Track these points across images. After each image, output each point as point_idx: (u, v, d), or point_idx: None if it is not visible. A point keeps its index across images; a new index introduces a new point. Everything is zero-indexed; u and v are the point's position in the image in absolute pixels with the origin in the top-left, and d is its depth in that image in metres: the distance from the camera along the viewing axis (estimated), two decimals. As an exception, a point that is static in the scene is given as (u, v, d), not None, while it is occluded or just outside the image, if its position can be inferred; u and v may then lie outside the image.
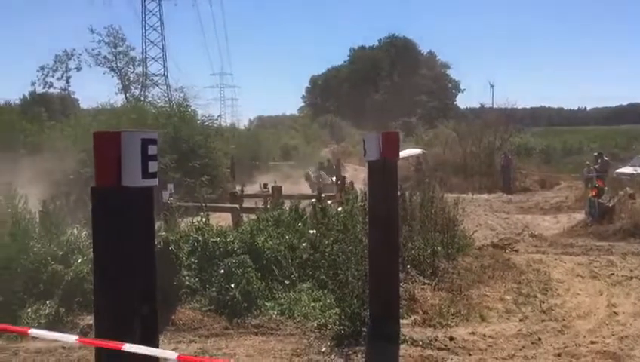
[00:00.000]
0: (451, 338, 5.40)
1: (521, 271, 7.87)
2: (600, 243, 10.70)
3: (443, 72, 74.75)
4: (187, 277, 6.38)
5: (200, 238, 6.88)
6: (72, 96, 42.94)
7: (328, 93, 73.93)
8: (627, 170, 22.03)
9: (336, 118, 60.76)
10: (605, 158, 22.37)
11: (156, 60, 51.57)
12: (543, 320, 6.02)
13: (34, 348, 5.40)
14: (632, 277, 7.74)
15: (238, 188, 15.50)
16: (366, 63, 72.05)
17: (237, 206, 12.23)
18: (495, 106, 36.62)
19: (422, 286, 6.75)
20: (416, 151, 27.91)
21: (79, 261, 6.49)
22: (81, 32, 74.01)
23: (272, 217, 8.15)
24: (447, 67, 74.59)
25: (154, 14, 52.56)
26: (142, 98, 40.50)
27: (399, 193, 6.56)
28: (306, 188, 19.20)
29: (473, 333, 5.57)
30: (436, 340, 5.35)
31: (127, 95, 45.46)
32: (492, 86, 56.96)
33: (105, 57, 47.64)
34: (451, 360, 5.00)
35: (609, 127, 58.06)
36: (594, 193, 13.41)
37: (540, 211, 17.68)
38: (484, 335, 5.53)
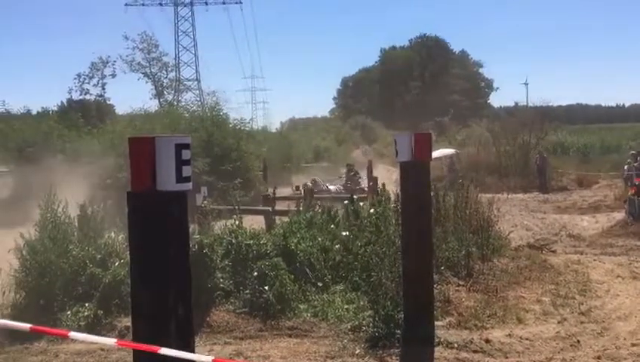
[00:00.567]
0: (487, 341, 5.31)
1: (559, 272, 7.70)
2: (641, 243, 10.45)
3: (475, 71, 74.01)
4: (221, 280, 6.42)
5: (233, 241, 6.92)
6: (108, 102, 43.72)
7: (359, 94, 73.83)
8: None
9: (368, 118, 60.64)
10: (645, 156, 21.77)
11: (189, 65, 52.60)
12: (581, 322, 5.88)
13: (74, 349, 5.52)
14: (674, 278, 7.52)
15: (270, 190, 15.57)
16: (397, 63, 71.75)
17: (269, 208, 12.31)
18: (530, 105, 36.13)
19: (456, 288, 6.67)
20: (450, 151, 27.62)
21: (116, 264, 6.60)
22: (115, 40, 75.54)
23: (305, 219, 8.17)
24: (480, 66, 73.95)
25: (186, 20, 53.70)
26: (175, 103, 41.18)
27: (432, 194, 6.50)
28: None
29: (510, 335, 5.47)
30: (472, 342, 5.27)
31: (161, 100, 46.25)
32: (526, 84, 56.20)
33: (139, 63, 48.64)
34: (487, 362, 4.93)
35: (649, 124, 56.46)
36: (634, 191, 13.08)
37: (577, 211, 17.31)
38: (521, 338, 5.43)
